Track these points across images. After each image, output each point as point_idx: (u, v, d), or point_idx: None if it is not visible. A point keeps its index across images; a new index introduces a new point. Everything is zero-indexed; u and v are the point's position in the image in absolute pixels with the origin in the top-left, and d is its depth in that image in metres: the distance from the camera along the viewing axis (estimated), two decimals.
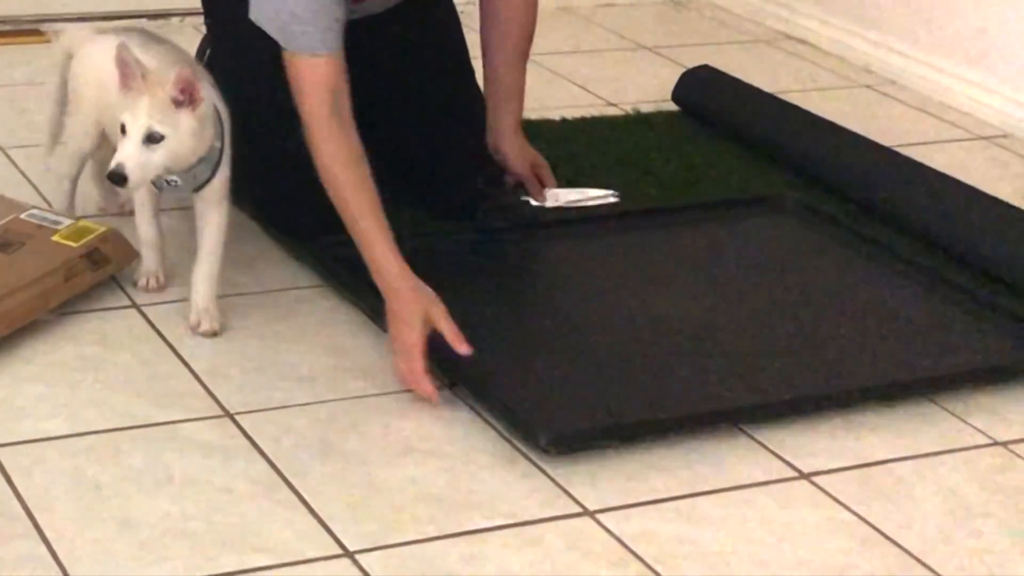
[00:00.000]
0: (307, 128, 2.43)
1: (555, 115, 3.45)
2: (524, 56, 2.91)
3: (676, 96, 3.52)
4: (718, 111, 3.43)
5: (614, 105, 3.58)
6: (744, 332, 2.60)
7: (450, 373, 2.39)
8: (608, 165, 3.21)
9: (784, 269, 2.84)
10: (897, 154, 3.20)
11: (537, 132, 3.33)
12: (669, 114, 3.51)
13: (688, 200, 3.08)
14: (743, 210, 3.04)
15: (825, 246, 2.93)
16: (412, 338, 2.34)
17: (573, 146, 3.29)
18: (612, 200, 2.98)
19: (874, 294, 2.76)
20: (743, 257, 2.88)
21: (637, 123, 3.47)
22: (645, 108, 3.55)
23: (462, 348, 2.35)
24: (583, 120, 3.45)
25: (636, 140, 3.36)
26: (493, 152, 2.90)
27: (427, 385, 2.32)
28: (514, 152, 2.91)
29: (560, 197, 2.93)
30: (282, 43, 2.45)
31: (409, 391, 2.35)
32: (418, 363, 2.33)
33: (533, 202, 2.91)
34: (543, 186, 2.93)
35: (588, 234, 2.88)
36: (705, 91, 3.49)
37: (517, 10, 2.87)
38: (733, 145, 3.34)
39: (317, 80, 2.42)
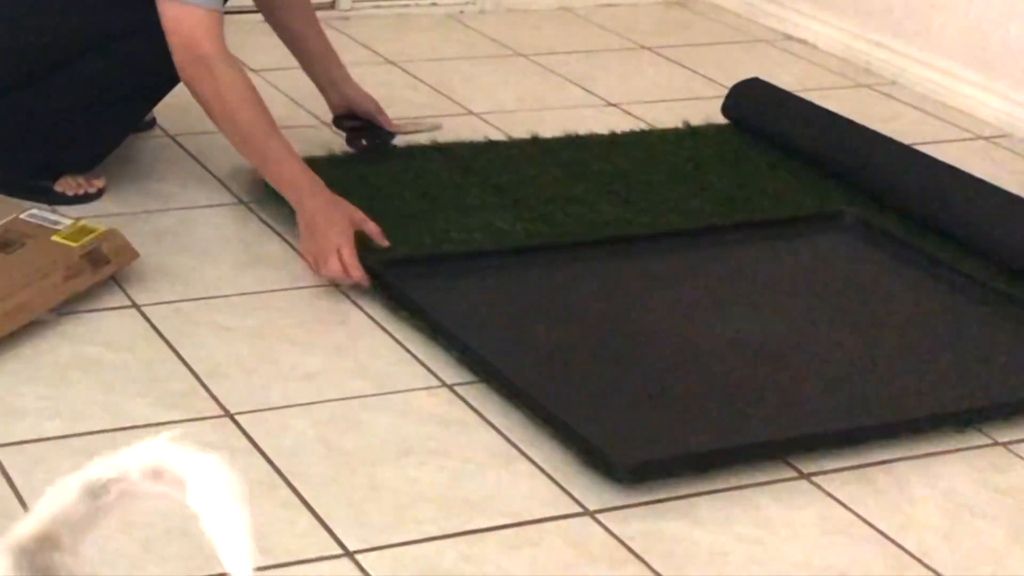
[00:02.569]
0: (205, 68, 2.64)
1: (603, 129, 3.41)
2: (314, 16, 3.10)
3: (726, 109, 3.47)
4: (769, 125, 3.36)
5: (614, 105, 3.58)
6: (809, 356, 2.54)
7: (524, 400, 2.34)
8: (660, 180, 3.17)
9: (846, 289, 2.78)
10: (955, 169, 3.13)
11: (584, 146, 3.31)
12: (720, 128, 3.45)
13: (745, 217, 3.01)
14: (802, 227, 2.98)
15: (886, 264, 2.88)
16: (339, 239, 2.57)
17: (623, 161, 3.25)
18: (438, 126, 3.25)
19: (940, 315, 2.71)
20: (804, 276, 2.83)
21: (687, 137, 3.41)
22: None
23: (384, 243, 2.66)
24: (632, 134, 3.41)
25: (687, 155, 3.31)
26: (340, 100, 3.10)
27: (361, 272, 2.56)
28: (360, 94, 3.10)
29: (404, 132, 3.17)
30: None
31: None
32: (351, 255, 2.56)
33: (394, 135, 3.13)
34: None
35: (645, 252, 2.83)
36: (755, 105, 3.43)
37: None
38: (784, 159, 3.29)
39: (212, 26, 2.65)
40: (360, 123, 3.12)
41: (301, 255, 2.64)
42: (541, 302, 2.68)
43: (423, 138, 3.23)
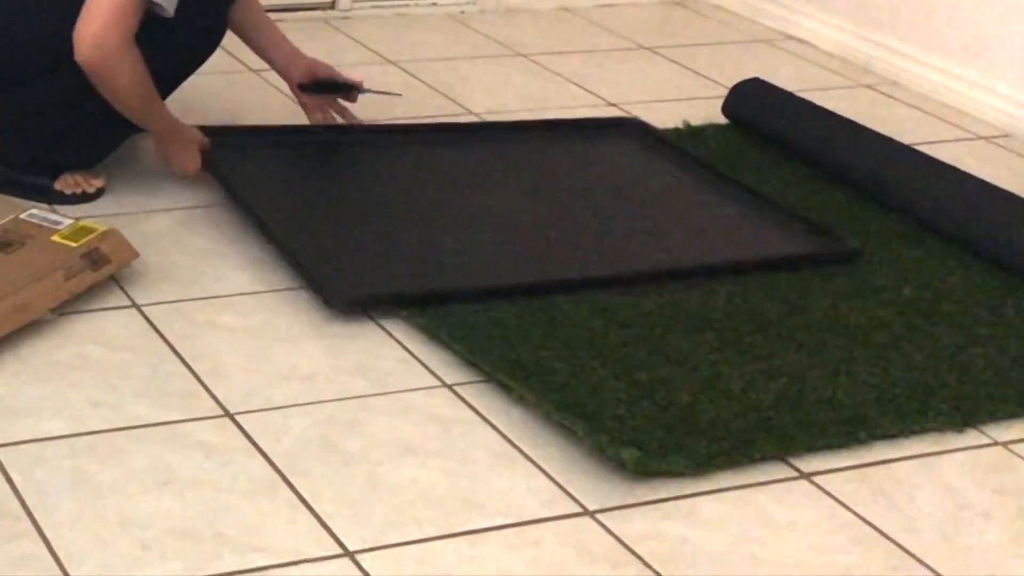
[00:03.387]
0: (113, 52, 2.68)
1: None
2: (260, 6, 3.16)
3: (726, 109, 3.46)
4: (769, 125, 3.36)
5: (614, 105, 3.58)
6: (542, 223, 2.87)
7: (266, 231, 2.71)
8: None
9: (615, 184, 3.10)
10: (955, 169, 3.14)
11: None
12: (720, 128, 3.45)
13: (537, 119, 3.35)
14: (594, 132, 3.30)
15: (658, 166, 3.20)
16: (195, 154, 2.90)
17: None
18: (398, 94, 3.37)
19: (687, 201, 3.04)
20: (577, 171, 3.14)
21: (687, 137, 3.40)
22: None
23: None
24: None
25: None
26: (303, 68, 3.14)
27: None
28: (315, 60, 3.16)
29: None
30: None
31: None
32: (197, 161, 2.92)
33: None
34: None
35: (440, 143, 3.17)
36: (755, 105, 3.42)
37: None
38: (784, 159, 3.28)
39: (131, 14, 2.68)
40: (324, 83, 3.14)
41: (165, 159, 2.92)
42: (335, 166, 3.06)
43: None
